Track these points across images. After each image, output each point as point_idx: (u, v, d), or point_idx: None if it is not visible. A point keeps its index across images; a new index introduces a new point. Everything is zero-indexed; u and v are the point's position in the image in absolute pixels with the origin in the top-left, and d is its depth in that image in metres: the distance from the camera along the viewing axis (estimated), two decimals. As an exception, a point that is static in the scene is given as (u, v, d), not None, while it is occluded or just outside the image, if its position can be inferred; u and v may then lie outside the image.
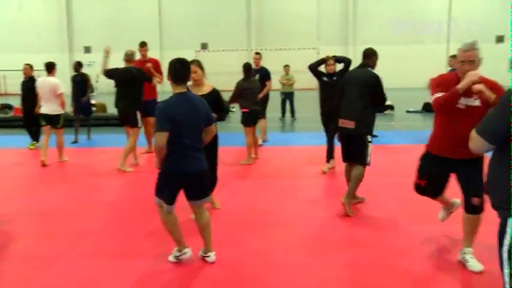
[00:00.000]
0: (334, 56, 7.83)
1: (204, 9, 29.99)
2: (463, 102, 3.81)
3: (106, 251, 4.59)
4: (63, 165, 8.64)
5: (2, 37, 31.38)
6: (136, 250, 4.59)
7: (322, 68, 7.94)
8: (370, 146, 5.62)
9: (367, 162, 5.61)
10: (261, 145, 9.70)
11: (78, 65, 11.26)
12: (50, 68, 8.65)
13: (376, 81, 5.58)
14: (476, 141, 2.39)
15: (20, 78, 10.54)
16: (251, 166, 8.25)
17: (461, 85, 3.71)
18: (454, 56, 11.54)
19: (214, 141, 5.25)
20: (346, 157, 5.87)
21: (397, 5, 29.27)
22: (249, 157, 8.45)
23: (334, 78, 7.66)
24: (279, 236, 4.92)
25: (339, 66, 7.65)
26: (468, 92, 3.72)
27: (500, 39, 28.74)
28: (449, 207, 4.68)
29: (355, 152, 5.67)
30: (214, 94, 5.29)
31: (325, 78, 7.84)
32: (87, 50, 30.79)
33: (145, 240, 4.84)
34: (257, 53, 10.69)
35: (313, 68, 7.93)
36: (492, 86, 3.69)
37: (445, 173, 4.19)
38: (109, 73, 8.11)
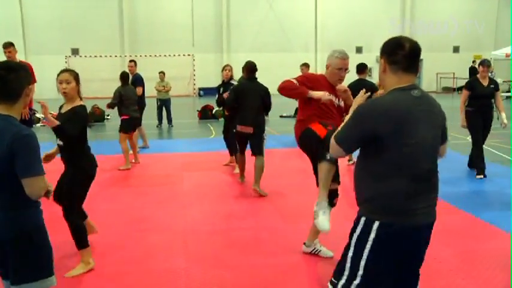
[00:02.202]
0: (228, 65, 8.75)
1: (73, 12, 28.44)
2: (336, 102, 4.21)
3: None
4: None
5: None
6: None
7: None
8: (264, 141, 6.98)
9: (263, 153, 6.82)
10: (138, 152, 9.52)
11: None
12: None
13: (268, 93, 6.95)
14: (334, 149, 2.56)
15: None
16: (128, 174, 8.08)
17: (314, 95, 4.08)
18: (305, 64, 11.95)
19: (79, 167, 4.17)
20: (242, 151, 7.17)
21: (268, 14, 30.47)
22: (127, 162, 8.39)
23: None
24: (158, 243, 4.91)
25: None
26: (330, 90, 4.13)
27: (359, 49, 31.29)
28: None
29: (255, 147, 6.80)
30: (72, 112, 4.09)
31: (221, 91, 8.35)
32: None
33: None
34: (131, 61, 10.53)
35: (220, 102, 8.43)
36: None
37: None
38: None
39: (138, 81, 9.91)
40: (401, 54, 2.41)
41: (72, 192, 4.15)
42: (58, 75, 4.11)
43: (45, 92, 18.55)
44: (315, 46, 31.13)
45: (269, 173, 7.93)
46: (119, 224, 5.53)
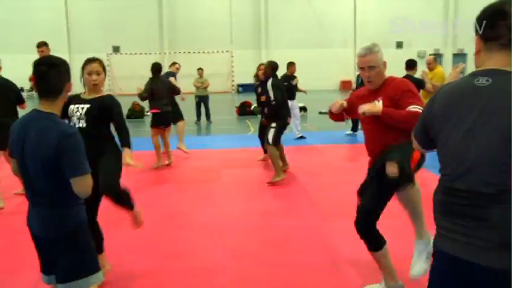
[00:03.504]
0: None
1: (114, 12, 29.13)
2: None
3: None
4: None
5: None
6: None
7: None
8: (273, 131, 7.09)
9: (270, 143, 7.07)
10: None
11: None
12: None
13: None
14: (414, 143, 2.22)
15: None
16: (166, 170, 8.14)
17: (332, 108, 3.61)
18: None
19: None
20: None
21: (307, 10, 30.26)
22: (159, 158, 8.27)
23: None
24: (196, 240, 4.91)
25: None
26: (368, 99, 3.39)
27: (399, 44, 30.64)
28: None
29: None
30: (109, 103, 3.79)
31: (260, 90, 8.52)
32: (-14, 52, 28.85)
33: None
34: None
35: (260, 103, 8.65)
36: (396, 90, 3.30)
37: None
38: None
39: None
40: (504, 24, 1.77)
41: (118, 171, 3.82)
42: (85, 65, 3.78)
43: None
44: (354, 42, 30.72)
45: (307, 170, 7.87)
46: (156, 220, 5.56)
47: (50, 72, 2.45)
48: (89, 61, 3.79)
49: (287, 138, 7.97)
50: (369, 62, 3.30)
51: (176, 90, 8.69)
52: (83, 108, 3.70)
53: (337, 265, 4.23)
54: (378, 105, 3.26)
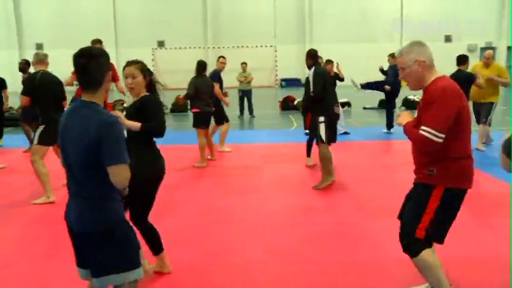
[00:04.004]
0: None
1: (159, 7, 29.59)
2: None
3: (57, 254, 4.44)
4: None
5: None
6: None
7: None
8: (323, 126, 6.42)
9: (324, 140, 6.44)
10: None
11: (26, 64, 9.35)
12: None
13: None
14: (503, 161, 2.06)
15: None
16: (208, 164, 8.14)
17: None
18: (392, 55, 11.49)
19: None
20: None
21: (352, 4, 29.76)
22: (203, 159, 8.07)
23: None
24: (236, 235, 4.90)
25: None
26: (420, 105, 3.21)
27: (448, 38, 29.68)
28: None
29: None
30: (142, 102, 3.60)
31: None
32: (39, 47, 29.86)
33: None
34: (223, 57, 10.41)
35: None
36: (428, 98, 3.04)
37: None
38: None
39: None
40: None
41: (145, 191, 3.62)
42: (123, 68, 3.62)
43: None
44: (400, 36, 29.98)
45: (351, 166, 7.73)
46: (197, 214, 5.59)
47: (89, 64, 2.44)
48: (126, 64, 3.65)
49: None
50: (399, 64, 3.22)
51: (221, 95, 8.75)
52: None
53: (379, 264, 4.12)
54: (404, 118, 3.26)
